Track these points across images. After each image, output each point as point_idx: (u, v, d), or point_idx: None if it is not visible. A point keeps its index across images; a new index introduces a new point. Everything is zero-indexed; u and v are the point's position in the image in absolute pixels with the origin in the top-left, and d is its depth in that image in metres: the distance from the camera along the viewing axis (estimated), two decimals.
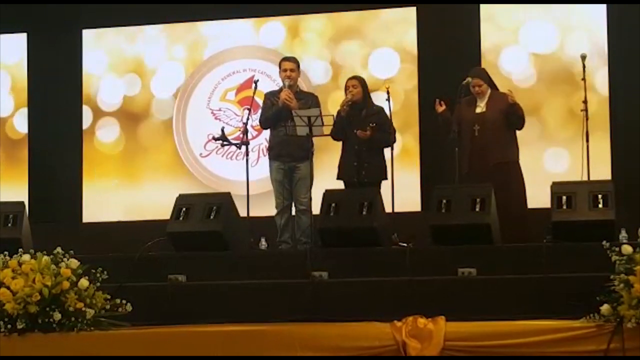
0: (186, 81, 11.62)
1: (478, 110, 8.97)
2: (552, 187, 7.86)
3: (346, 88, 9.28)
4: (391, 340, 6.14)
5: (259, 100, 9.87)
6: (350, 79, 9.40)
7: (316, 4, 11.17)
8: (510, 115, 8.88)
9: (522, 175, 8.93)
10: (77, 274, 6.72)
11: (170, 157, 11.61)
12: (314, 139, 9.11)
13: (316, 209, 8.34)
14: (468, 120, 8.93)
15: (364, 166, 9.03)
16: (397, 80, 10.94)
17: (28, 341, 6.58)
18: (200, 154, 11.52)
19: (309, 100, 9.32)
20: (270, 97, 9.43)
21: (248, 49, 11.53)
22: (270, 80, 10.96)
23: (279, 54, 10.74)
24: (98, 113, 11.76)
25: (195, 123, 11.56)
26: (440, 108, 9.03)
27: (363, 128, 9.03)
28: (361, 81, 9.33)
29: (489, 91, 9.04)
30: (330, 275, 7.33)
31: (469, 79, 9.00)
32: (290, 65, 9.36)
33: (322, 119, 8.89)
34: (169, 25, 11.70)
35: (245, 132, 9.14)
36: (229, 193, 8.49)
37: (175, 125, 11.59)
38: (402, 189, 9.43)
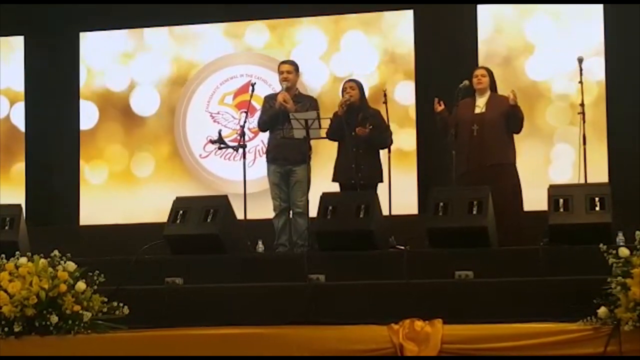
0: (186, 85, 11.71)
1: (477, 110, 8.96)
2: (549, 189, 7.86)
3: (343, 90, 9.28)
4: (388, 343, 6.15)
5: (256, 104, 9.90)
6: (347, 81, 9.41)
7: (313, 6, 11.15)
8: (510, 117, 8.87)
9: (518, 178, 8.93)
10: (74, 276, 6.72)
11: (169, 159, 11.64)
12: (312, 142, 9.12)
13: (314, 211, 8.34)
14: (466, 120, 8.91)
15: (361, 168, 9.00)
16: (394, 83, 10.93)
17: (25, 344, 6.58)
18: (200, 155, 11.61)
19: (307, 103, 9.30)
20: (269, 100, 9.45)
21: (246, 55, 11.59)
22: (266, 85, 10.99)
23: (276, 61, 10.72)
24: (96, 115, 11.76)
25: (195, 125, 11.67)
26: (439, 108, 9.02)
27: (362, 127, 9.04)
28: (358, 84, 9.34)
29: (489, 92, 9.04)
30: (328, 278, 7.33)
31: (466, 81, 9.01)
32: (287, 68, 9.38)
33: (319, 122, 8.90)
34: (168, 28, 11.69)
35: (242, 134, 9.21)
36: (226, 196, 8.47)
37: (176, 127, 11.69)
38: (399, 192, 9.42)
